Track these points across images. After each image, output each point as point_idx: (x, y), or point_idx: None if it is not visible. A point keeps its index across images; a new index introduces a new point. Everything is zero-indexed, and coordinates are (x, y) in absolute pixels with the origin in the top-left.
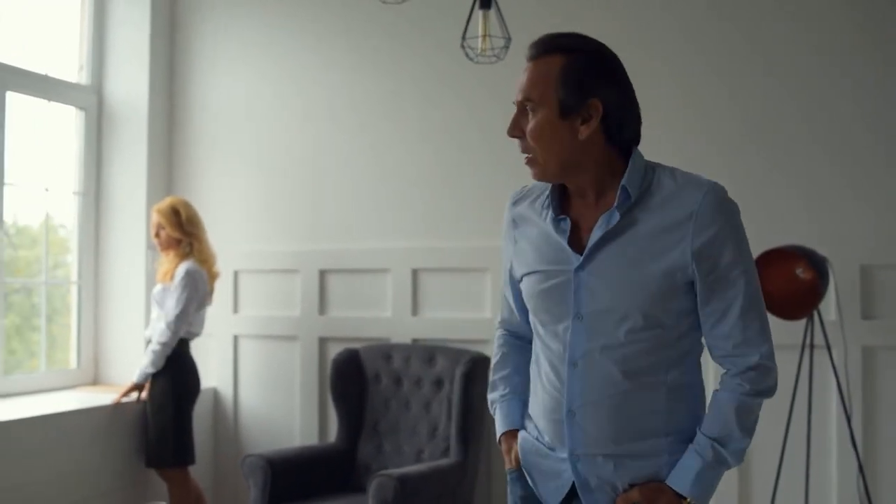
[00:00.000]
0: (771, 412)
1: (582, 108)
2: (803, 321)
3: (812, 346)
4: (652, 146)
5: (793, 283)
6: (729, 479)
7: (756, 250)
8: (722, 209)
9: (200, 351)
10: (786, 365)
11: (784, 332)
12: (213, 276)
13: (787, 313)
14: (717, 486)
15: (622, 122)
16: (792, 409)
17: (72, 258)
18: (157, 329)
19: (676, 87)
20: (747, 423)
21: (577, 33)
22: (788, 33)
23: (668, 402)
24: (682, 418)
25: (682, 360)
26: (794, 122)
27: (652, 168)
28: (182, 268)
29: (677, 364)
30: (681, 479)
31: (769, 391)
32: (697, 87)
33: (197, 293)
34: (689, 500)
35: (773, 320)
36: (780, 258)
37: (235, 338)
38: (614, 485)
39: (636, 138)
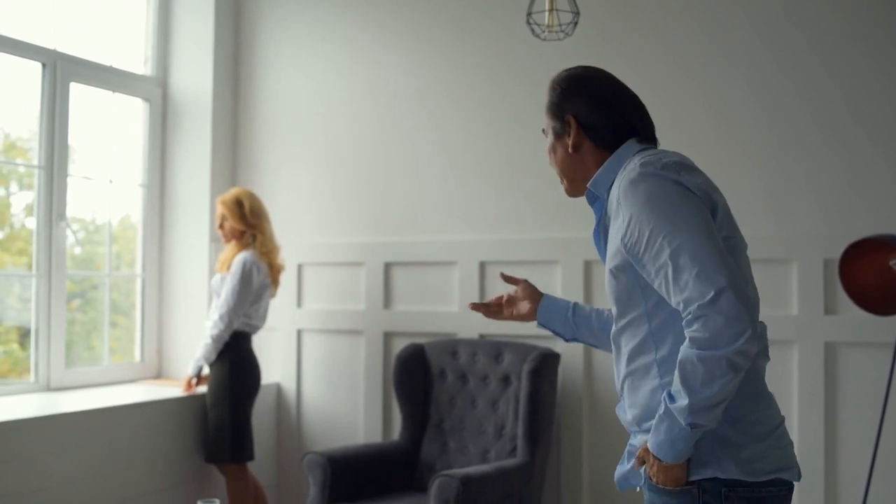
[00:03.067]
0: (858, 416)
1: (564, 126)
2: None
3: None
4: (729, 141)
5: (885, 275)
6: (815, 481)
7: (846, 241)
8: (631, 190)
9: (264, 345)
10: (878, 364)
11: (875, 328)
12: (276, 269)
13: (879, 308)
14: (680, 446)
15: (602, 128)
16: (884, 412)
17: (137, 251)
18: (211, 320)
19: (748, 86)
20: (689, 379)
21: (564, 72)
22: (857, 28)
23: (662, 380)
24: None
25: (665, 337)
26: (882, 104)
27: (631, 161)
28: (238, 258)
29: (662, 341)
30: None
31: (705, 343)
32: (769, 87)
33: (250, 284)
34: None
35: (862, 315)
36: (871, 249)
37: (299, 332)
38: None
39: (625, 136)
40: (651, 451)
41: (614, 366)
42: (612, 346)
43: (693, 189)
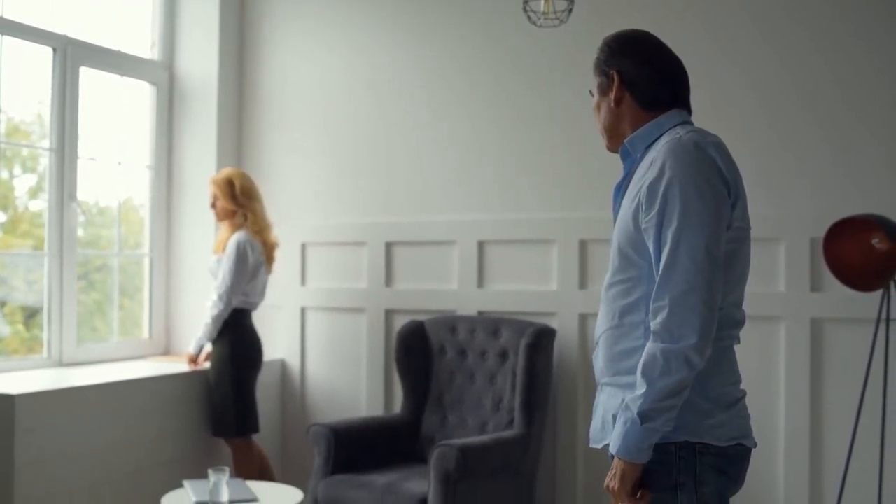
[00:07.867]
0: (842, 389)
1: (609, 81)
2: (879, 293)
3: (888, 321)
4: (722, 127)
5: (868, 253)
6: (801, 451)
7: (830, 220)
8: (671, 156)
9: (269, 322)
10: (861, 339)
11: (858, 305)
12: (269, 246)
13: (862, 285)
14: (631, 439)
15: (644, 86)
16: (865, 387)
17: (144, 231)
18: (210, 301)
19: (741, 71)
20: (646, 369)
21: (615, 32)
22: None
23: (645, 343)
24: None
25: None
26: (869, 86)
27: (675, 129)
28: (233, 239)
29: None
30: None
31: (663, 336)
32: (764, 72)
33: (245, 264)
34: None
35: (847, 293)
36: (855, 228)
37: (303, 310)
38: (604, 413)
39: (672, 101)
40: (610, 449)
41: (599, 315)
42: (603, 296)
43: (728, 183)
